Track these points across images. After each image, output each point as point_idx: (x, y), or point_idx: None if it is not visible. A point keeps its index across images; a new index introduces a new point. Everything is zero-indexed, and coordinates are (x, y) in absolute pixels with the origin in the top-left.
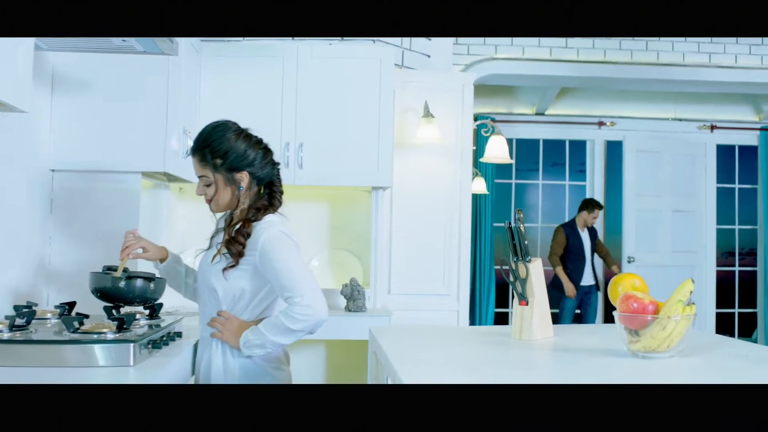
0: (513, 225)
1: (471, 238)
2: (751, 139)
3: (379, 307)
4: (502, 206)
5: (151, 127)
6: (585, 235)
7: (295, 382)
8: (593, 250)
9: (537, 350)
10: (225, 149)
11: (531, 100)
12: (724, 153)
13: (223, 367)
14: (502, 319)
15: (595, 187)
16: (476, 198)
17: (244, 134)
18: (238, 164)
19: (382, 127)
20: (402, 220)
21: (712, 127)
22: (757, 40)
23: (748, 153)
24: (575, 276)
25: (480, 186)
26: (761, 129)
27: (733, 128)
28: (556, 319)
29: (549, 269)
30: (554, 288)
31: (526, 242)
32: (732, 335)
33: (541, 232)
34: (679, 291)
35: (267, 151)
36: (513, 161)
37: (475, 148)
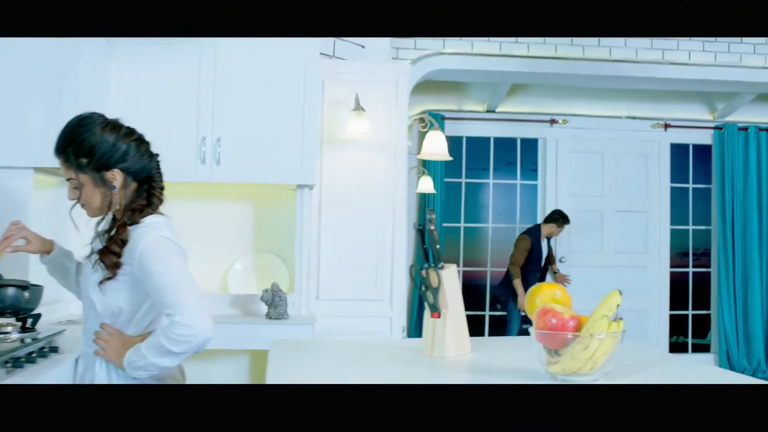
0: (422, 227)
1: (418, 238)
2: (705, 137)
3: (305, 313)
4: (451, 206)
5: (43, 118)
6: (545, 245)
7: None
8: (548, 259)
9: (445, 371)
10: (90, 146)
11: (481, 96)
12: (678, 152)
13: None
14: None
15: (546, 186)
16: (424, 197)
17: (111, 125)
18: (107, 161)
19: (306, 121)
20: (331, 221)
21: (666, 126)
22: (710, 37)
23: (703, 152)
24: (529, 285)
25: (427, 185)
26: (715, 128)
27: (687, 127)
28: (504, 324)
29: (479, 270)
30: (506, 293)
31: (437, 246)
32: (685, 337)
33: (491, 232)
34: (603, 304)
35: (141, 142)
36: (463, 159)
37: (409, 143)
